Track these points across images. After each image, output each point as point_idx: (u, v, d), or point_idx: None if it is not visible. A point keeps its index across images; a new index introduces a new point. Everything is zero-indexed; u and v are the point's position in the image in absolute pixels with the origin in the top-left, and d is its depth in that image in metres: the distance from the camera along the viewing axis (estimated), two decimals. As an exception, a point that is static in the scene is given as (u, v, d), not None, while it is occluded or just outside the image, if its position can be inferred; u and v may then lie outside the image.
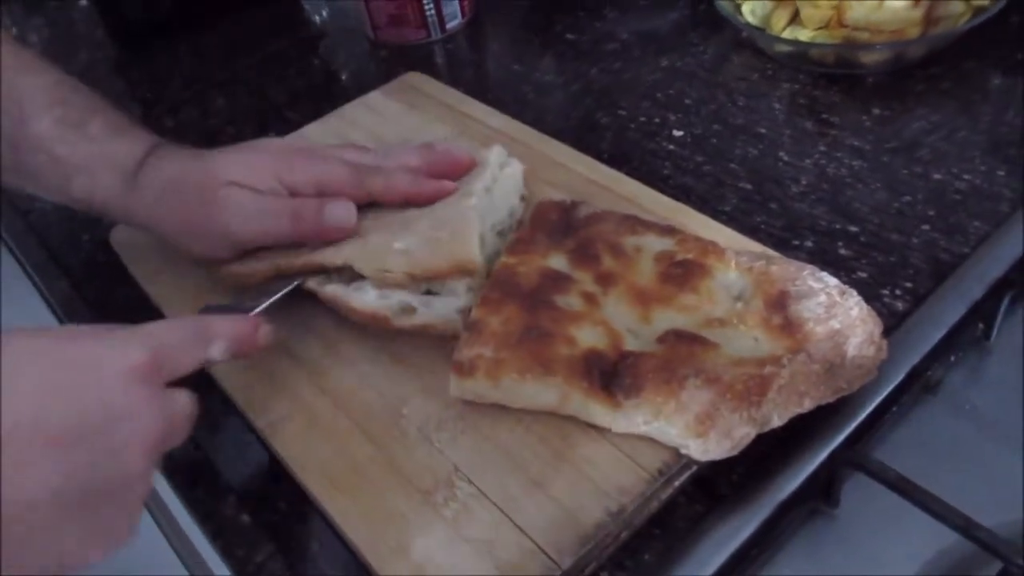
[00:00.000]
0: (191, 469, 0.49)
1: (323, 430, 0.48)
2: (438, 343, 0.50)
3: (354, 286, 0.52)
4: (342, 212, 0.53)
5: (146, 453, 0.37)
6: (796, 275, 0.47)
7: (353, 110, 0.73)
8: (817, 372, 0.42)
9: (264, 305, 0.51)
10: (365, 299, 0.51)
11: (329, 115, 0.73)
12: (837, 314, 0.44)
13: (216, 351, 0.43)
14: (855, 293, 0.46)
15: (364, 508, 0.43)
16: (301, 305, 0.54)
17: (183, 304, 0.56)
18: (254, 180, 0.53)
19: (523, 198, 0.59)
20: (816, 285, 0.46)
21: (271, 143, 0.58)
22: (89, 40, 1.03)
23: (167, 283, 0.58)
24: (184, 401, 0.41)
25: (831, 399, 0.43)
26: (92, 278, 0.64)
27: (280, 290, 0.53)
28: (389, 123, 0.70)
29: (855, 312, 0.45)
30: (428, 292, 0.52)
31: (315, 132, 0.71)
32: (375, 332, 0.52)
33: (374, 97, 0.74)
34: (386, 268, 0.51)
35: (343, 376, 0.50)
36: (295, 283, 0.54)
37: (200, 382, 0.51)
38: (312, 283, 0.53)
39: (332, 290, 0.52)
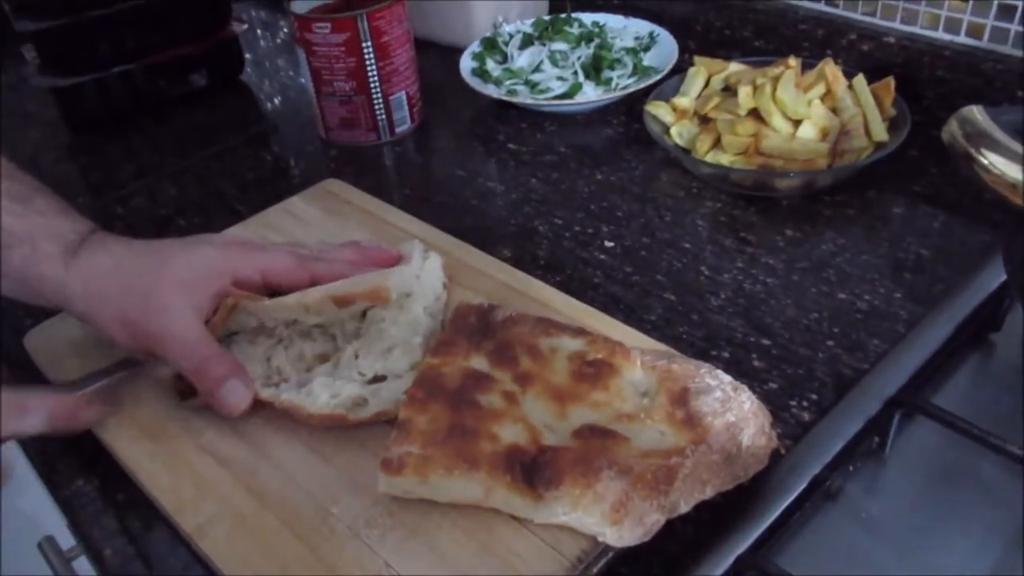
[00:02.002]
0: (122, 564, 0.50)
1: (251, 531, 0.48)
2: (364, 443, 0.53)
3: (304, 392, 0.54)
4: (238, 396, 0.54)
5: None
6: (695, 373, 0.51)
7: (274, 215, 0.75)
8: (717, 462, 0.47)
9: (92, 387, 0.55)
10: (319, 403, 0.53)
11: (250, 219, 0.75)
12: (732, 408, 0.49)
13: (29, 424, 0.48)
14: (746, 389, 0.51)
15: (295, 607, 0.44)
16: None
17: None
18: (200, 281, 0.55)
19: (444, 285, 0.64)
20: (712, 382, 0.51)
21: (215, 237, 0.61)
22: (41, 121, 1.05)
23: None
24: None
25: (730, 486, 0.47)
26: (31, 364, 0.64)
27: (114, 373, 0.56)
28: (309, 228, 0.73)
29: (747, 406, 0.49)
30: (374, 380, 0.55)
31: (237, 234, 0.73)
32: (301, 434, 0.54)
33: (294, 202, 0.77)
34: (305, 296, 0.56)
35: (270, 478, 0.52)
36: (127, 372, 0.57)
37: (127, 483, 0.53)
38: (266, 394, 0.55)
39: (287, 399, 0.54)
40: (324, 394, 0.54)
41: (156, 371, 0.58)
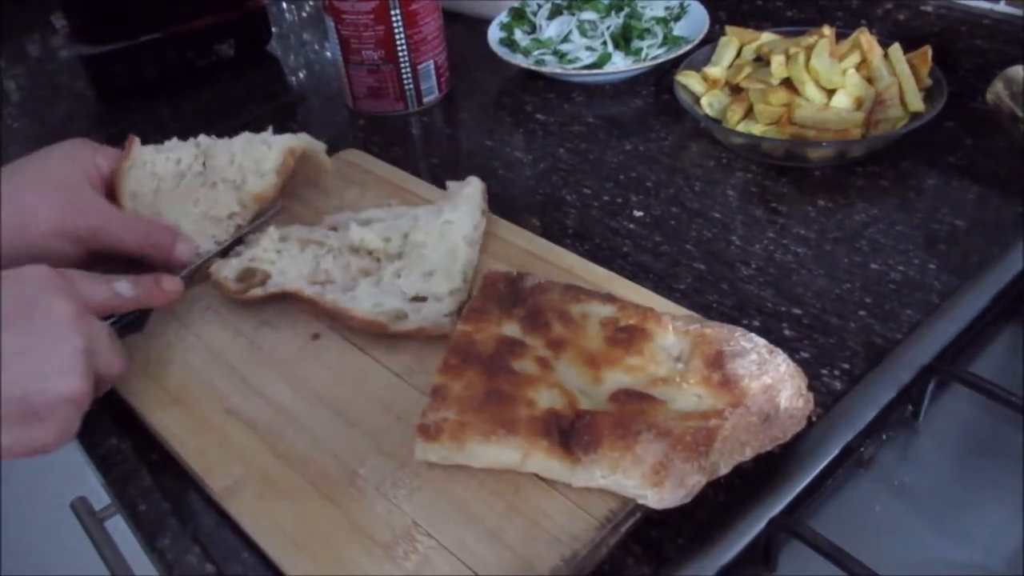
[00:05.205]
0: (156, 520, 0.50)
1: (279, 493, 0.49)
2: (390, 408, 0.53)
3: (349, 296, 0.57)
4: (189, 248, 0.62)
5: (72, 324, 0.47)
6: (729, 336, 0.51)
7: (295, 185, 0.75)
8: (755, 423, 0.46)
9: (183, 274, 0.61)
10: (362, 307, 0.56)
11: None
12: (768, 370, 0.49)
13: (121, 287, 0.52)
14: (781, 351, 0.50)
15: (326, 566, 0.45)
16: (255, 370, 0.57)
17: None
18: (85, 176, 0.61)
19: (483, 211, 0.66)
20: (747, 345, 0.50)
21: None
22: (69, 92, 1.06)
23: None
24: (101, 324, 0.50)
25: (769, 447, 0.47)
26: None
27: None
28: (329, 198, 0.73)
29: (783, 368, 0.49)
30: (416, 299, 0.58)
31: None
32: (327, 398, 0.54)
33: None
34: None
35: (296, 440, 0.52)
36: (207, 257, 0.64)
37: (160, 443, 0.53)
38: (311, 291, 0.58)
39: (332, 299, 0.57)
40: (368, 302, 0.57)
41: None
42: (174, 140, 0.69)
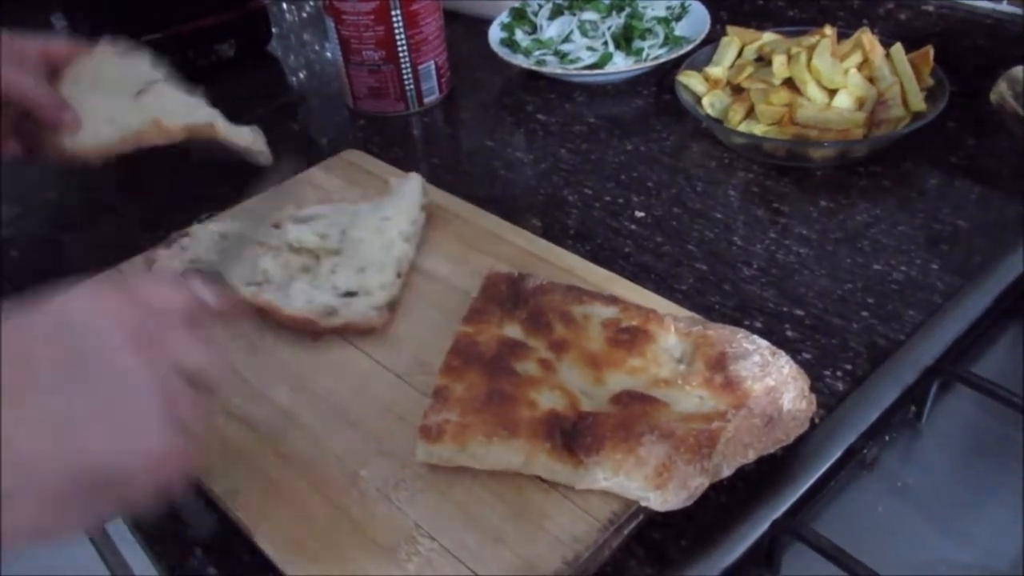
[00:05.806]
0: (157, 522, 0.50)
1: (281, 494, 0.49)
2: (391, 408, 0.53)
3: (282, 294, 0.58)
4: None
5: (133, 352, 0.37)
6: (731, 338, 0.51)
7: (295, 186, 0.75)
8: (758, 425, 0.46)
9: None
10: (294, 304, 0.57)
11: (272, 190, 0.74)
12: (771, 372, 0.49)
13: (198, 288, 0.43)
14: (784, 353, 0.50)
15: (327, 568, 0.44)
16: (256, 372, 0.56)
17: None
18: None
19: (423, 207, 0.67)
20: (750, 347, 0.50)
21: None
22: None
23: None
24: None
25: (772, 449, 0.47)
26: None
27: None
28: (330, 198, 0.73)
29: (786, 370, 0.49)
30: (348, 294, 0.59)
31: (257, 206, 0.73)
32: (329, 400, 0.54)
33: (315, 173, 0.77)
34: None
35: (298, 441, 0.52)
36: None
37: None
38: (247, 291, 0.59)
39: (266, 299, 0.58)
40: (300, 299, 0.58)
41: None
42: (145, 57, 0.73)
